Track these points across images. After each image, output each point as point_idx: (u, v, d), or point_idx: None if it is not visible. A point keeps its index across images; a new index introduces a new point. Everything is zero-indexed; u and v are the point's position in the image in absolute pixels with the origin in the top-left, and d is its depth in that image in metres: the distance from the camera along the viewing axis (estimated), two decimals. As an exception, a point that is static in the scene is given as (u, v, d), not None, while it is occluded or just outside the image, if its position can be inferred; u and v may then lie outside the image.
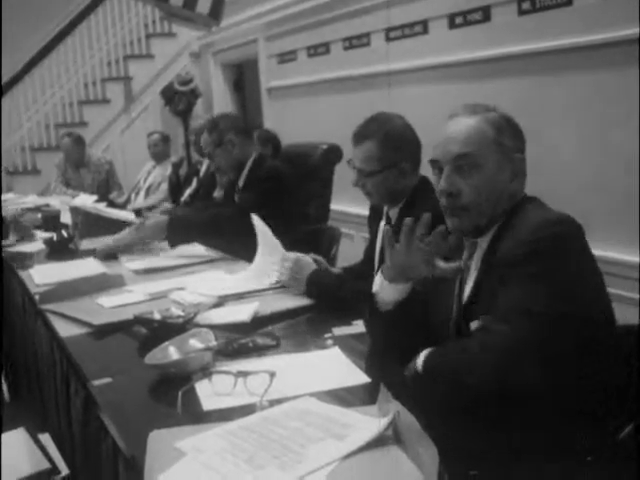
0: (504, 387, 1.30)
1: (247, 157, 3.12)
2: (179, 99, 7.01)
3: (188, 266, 2.70)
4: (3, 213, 3.65)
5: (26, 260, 2.93)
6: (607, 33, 2.98)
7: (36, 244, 3.19)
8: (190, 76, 7.10)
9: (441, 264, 1.50)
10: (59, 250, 3.07)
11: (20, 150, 7.15)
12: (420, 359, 1.42)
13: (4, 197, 4.72)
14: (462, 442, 1.24)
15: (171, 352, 1.66)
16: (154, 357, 1.62)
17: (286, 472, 1.11)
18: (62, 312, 2.14)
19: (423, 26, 4.12)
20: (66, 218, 3.80)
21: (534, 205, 1.51)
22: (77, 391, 1.74)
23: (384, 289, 1.56)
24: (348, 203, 4.32)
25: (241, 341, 1.76)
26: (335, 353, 1.70)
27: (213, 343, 1.67)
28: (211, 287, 2.28)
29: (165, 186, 5.62)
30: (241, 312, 2.01)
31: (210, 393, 1.47)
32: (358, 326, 1.82)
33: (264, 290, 2.26)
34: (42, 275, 2.65)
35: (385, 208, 2.22)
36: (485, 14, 3.65)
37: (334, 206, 3.67)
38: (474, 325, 1.45)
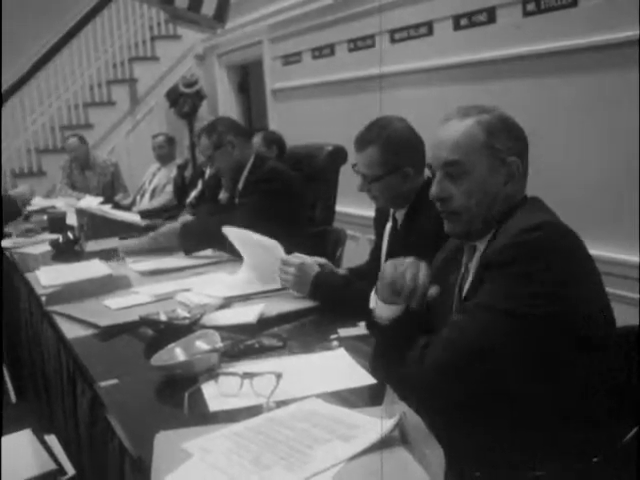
0: (454, 379, 1.32)
1: (247, 159, 3.11)
2: (184, 101, 7.02)
3: (194, 268, 2.70)
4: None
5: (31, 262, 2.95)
6: (612, 34, 2.98)
7: (42, 246, 3.19)
8: (195, 78, 7.11)
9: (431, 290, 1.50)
10: (65, 252, 3.08)
11: (26, 152, 7.17)
12: None
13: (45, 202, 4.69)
14: (467, 443, 1.24)
15: (177, 353, 1.66)
16: (160, 358, 1.62)
17: (292, 473, 1.12)
18: (68, 313, 2.15)
19: (428, 27, 4.12)
20: (72, 220, 3.81)
21: (527, 209, 1.48)
22: (84, 392, 1.74)
23: (379, 307, 1.55)
24: (353, 205, 4.32)
25: (247, 342, 1.76)
26: (341, 354, 1.70)
27: (219, 344, 1.67)
28: (217, 289, 2.28)
29: (170, 188, 5.62)
30: (247, 313, 2.01)
31: (216, 394, 1.47)
32: (363, 327, 1.83)
33: (270, 292, 2.26)
34: (48, 277, 2.66)
35: (391, 210, 2.22)
36: (490, 15, 3.65)
37: (339, 208, 3.67)
38: None
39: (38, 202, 4.87)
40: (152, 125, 7.29)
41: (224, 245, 2.76)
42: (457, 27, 3.89)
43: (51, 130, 7.27)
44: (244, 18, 6.17)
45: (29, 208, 4.43)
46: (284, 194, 2.96)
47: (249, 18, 6.16)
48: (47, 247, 3.13)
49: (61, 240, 3.13)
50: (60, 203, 4.65)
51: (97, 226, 3.64)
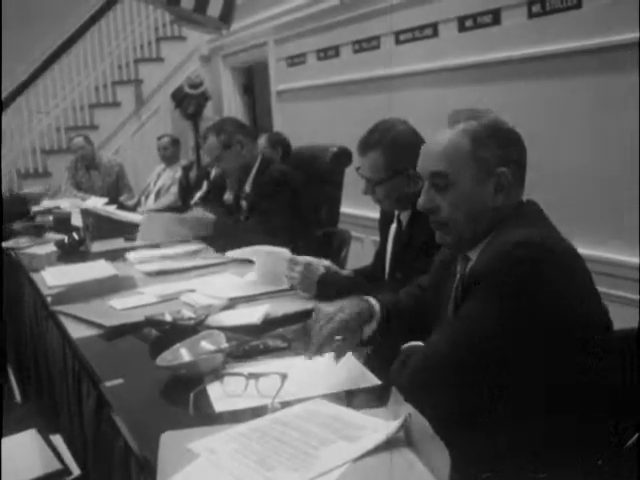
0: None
1: (254, 159, 3.11)
2: (189, 102, 7.03)
3: (199, 268, 2.71)
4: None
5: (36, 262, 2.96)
6: (617, 36, 2.98)
7: (47, 246, 3.20)
8: (200, 79, 7.12)
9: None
10: (70, 252, 3.08)
11: (31, 153, 7.19)
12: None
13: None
14: (470, 446, 1.24)
15: (182, 354, 1.66)
16: (165, 359, 1.62)
17: (298, 474, 1.12)
18: (74, 314, 2.15)
19: (433, 29, 4.12)
20: (77, 221, 3.82)
21: (520, 219, 1.43)
22: (89, 392, 1.75)
23: None
24: (358, 206, 4.32)
25: (252, 343, 1.76)
26: (346, 355, 1.70)
27: (224, 345, 1.68)
28: (222, 289, 2.29)
29: (175, 189, 5.64)
30: (252, 314, 2.01)
31: (221, 395, 1.47)
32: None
33: (275, 292, 2.26)
34: (54, 277, 2.67)
35: (396, 212, 2.23)
36: (495, 17, 3.65)
37: (344, 209, 3.67)
38: None
39: (43, 203, 4.88)
40: (157, 126, 7.31)
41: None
42: (462, 29, 3.89)
43: (57, 131, 7.29)
44: (249, 19, 6.18)
45: (35, 209, 4.44)
46: (291, 198, 2.97)
47: (254, 19, 6.17)
48: (53, 247, 3.13)
49: (66, 241, 3.14)
50: (65, 204, 4.66)
51: (102, 227, 3.64)
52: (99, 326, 2.02)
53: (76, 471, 1.84)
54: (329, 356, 1.69)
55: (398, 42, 4.43)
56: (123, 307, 2.20)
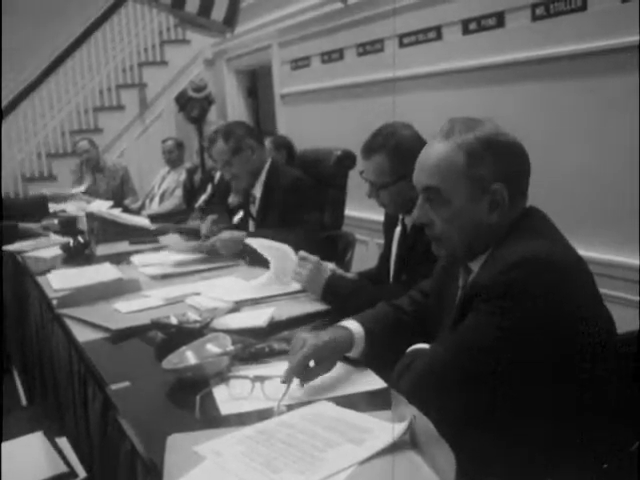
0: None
1: (264, 163, 3.09)
2: (193, 105, 7.05)
3: (204, 271, 2.71)
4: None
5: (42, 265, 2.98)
6: (622, 38, 2.98)
7: (53, 249, 3.21)
8: (204, 83, 7.14)
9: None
10: (76, 255, 3.09)
11: (36, 157, 7.21)
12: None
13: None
14: (477, 448, 1.25)
15: (188, 357, 1.67)
16: (171, 362, 1.63)
17: (304, 476, 1.12)
18: (79, 317, 2.16)
19: (437, 32, 4.13)
20: (82, 224, 3.84)
21: (523, 230, 1.40)
22: (95, 395, 1.75)
23: None
24: (362, 209, 4.32)
25: (258, 346, 1.77)
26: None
27: (230, 348, 1.68)
28: (227, 292, 2.29)
29: (179, 192, 5.65)
30: (257, 317, 2.02)
31: (227, 398, 1.48)
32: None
33: (280, 295, 2.27)
34: (59, 280, 2.68)
35: (400, 215, 2.23)
36: (499, 20, 3.66)
37: (348, 212, 3.67)
38: None
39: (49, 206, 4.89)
40: (161, 129, 7.33)
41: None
42: (466, 31, 3.89)
43: (61, 135, 7.31)
44: (253, 23, 6.19)
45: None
46: (309, 203, 2.96)
47: (258, 23, 6.18)
48: (58, 251, 3.14)
49: (72, 244, 3.15)
50: (70, 207, 4.67)
51: (107, 230, 3.66)
52: (105, 329, 2.03)
53: (82, 474, 1.85)
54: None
55: (402, 45, 4.44)
56: (128, 310, 2.21)
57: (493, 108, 3.51)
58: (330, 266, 2.27)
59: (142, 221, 3.90)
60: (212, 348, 1.70)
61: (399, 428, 1.20)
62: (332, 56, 5.26)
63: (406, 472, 1.13)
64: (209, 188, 4.86)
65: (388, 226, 2.35)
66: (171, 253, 3.00)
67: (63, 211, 4.51)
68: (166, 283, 2.56)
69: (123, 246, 3.40)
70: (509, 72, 3.63)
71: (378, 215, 2.59)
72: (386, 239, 2.38)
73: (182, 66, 7.62)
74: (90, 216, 3.80)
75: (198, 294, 2.31)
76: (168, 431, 1.32)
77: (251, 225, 3.19)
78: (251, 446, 1.24)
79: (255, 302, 2.22)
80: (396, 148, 2.08)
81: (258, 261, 2.57)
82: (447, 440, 1.09)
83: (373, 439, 1.22)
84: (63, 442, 2.02)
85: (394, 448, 1.18)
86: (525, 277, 1.28)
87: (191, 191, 5.36)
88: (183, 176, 5.65)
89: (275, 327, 1.97)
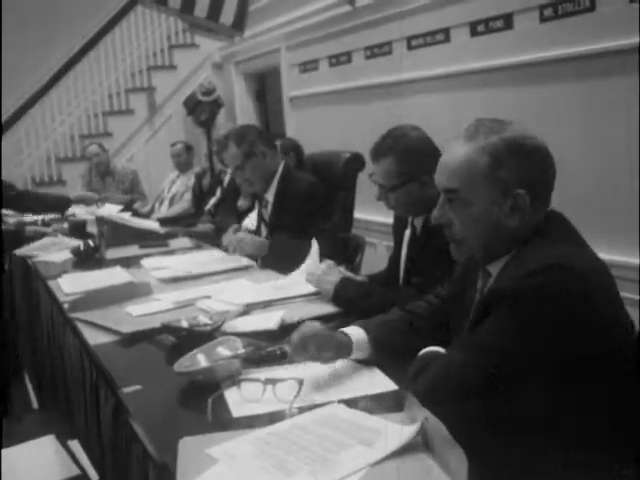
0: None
1: (276, 167, 3.06)
2: (202, 109, 7.07)
3: (214, 274, 2.72)
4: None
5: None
6: (631, 39, 2.97)
7: (63, 253, 3.23)
8: (212, 86, 7.15)
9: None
10: (86, 259, 3.11)
11: (46, 161, 7.25)
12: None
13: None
14: (491, 452, 1.24)
15: (199, 360, 1.67)
16: (183, 365, 1.63)
17: (316, 478, 1.12)
18: (91, 320, 2.17)
19: (445, 34, 4.13)
20: (91, 228, 3.85)
21: (545, 235, 1.39)
22: (107, 398, 1.76)
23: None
24: (372, 212, 4.32)
25: (269, 349, 1.77)
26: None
27: (241, 351, 1.69)
28: (237, 295, 2.29)
29: (189, 195, 5.67)
30: (268, 320, 2.02)
31: (239, 400, 1.48)
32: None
33: (291, 298, 2.27)
34: (70, 284, 2.69)
35: (410, 217, 2.23)
36: (507, 22, 3.65)
37: (357, 215, 3.68)
38: None
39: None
40: (170, 133, 7.36)
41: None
42: (474, 33, 3.89)
43: (71, 139, 7.35)
44: (261, 26, 6.21)
45: (49, 216, 4.47)
46: (325, 209, 2.96)
47: (266, 26, 6.20)
48: (68, 255, 3.16)
49: (82, 248, 3.16)
50: (81, 211, 4.69)
51: (117, 234, 3.67)
52: (116, 333, 2.04)
53: (94, 477, 1.86)
54: (344, 362, 1.70)
55: (410, 47, 4.44)
56: (139, 314, 2.22)
57: (502, 110, 3.49)
58: (340, 269, 2.27)
59: (152, 225, 3.92)
60: (223, 351, 1.71)
61: (410, 430, 1.20)
62: (340, 59, 5.27)
63: (418, 474, 1.13)
64: (218, 192, 4.88)
65: (397, 228, 2.36)
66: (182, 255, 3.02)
67: (73, 215, 4.52)
68: (176, 286, 2.57)
69: (133, 250, 3.41)
70: (517, 74, 3.62)
71: (387, 217, 2.59)
72: (396, 241, 2.38)
73: (191, 70, 7.65)
74: (100, 220, 3.82)
75: (209, 297, 2.32)
76: (180, 434, 1.32)
77: (263, 229, 3.18)
78: (263, 448, 1.24)
79: (266, 305, 2.22)
80: (405, 151, 2.09)
81: (269, 264, 2.58)
82: (460, 443, 1.09)
83: (385, 441, 1.22)
84: (75, 445, 2.03)
85: (406, 450, 1.18)
86: (549, 283, 1.28)
87: (200, 195, 5.37)
88: (192, 180, 5.67)
89: (286, 330, 1.97)
